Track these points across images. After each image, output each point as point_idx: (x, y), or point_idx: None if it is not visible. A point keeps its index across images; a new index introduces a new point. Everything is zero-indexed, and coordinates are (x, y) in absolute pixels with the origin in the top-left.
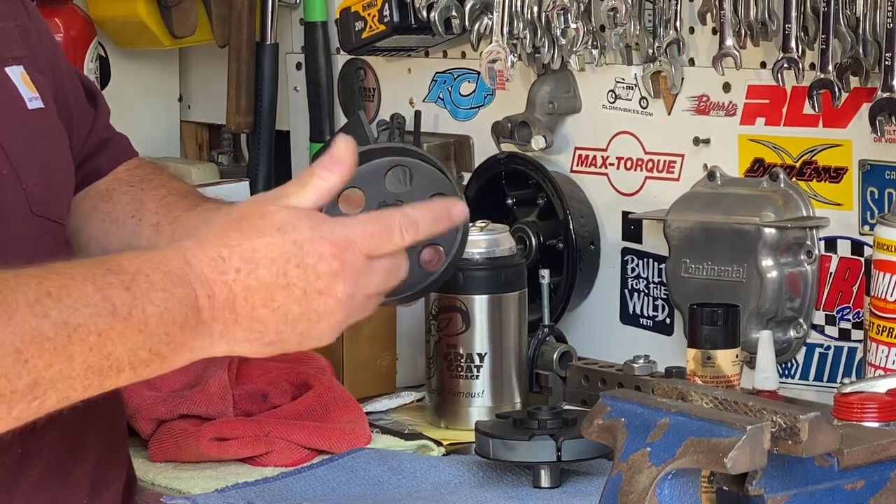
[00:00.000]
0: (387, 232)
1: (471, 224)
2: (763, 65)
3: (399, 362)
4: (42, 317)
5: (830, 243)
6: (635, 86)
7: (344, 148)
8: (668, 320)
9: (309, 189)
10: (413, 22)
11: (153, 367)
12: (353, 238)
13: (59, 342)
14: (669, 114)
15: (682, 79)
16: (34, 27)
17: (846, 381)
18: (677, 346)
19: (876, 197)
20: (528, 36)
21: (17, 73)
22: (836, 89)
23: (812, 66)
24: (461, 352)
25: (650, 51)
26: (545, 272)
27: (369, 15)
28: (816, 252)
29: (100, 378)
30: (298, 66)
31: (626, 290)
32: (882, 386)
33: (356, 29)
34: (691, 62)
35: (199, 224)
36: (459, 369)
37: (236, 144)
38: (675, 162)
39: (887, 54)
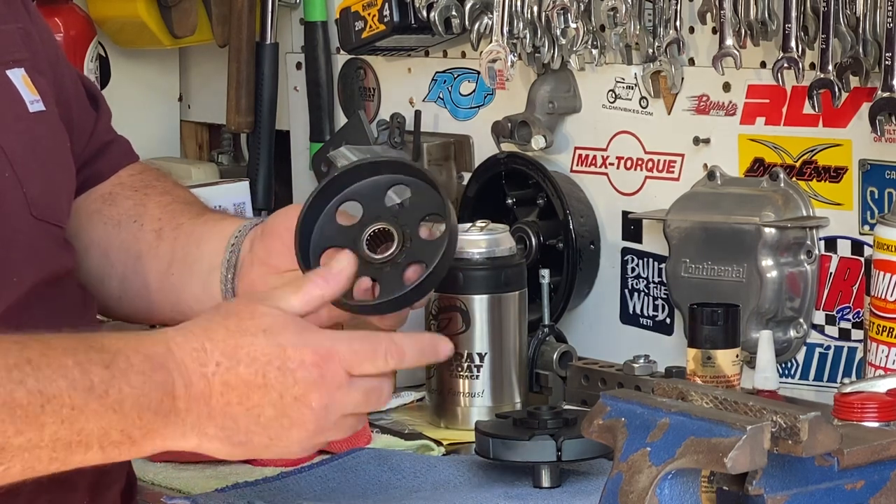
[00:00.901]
0: (371, 353)
1: (471, 224)
2: (763, 64)
3: None
4: (18, 383)
5: (830, 243)
6: (635, 85)
7: (346, 263)
8: (668, 320)
9: (301, 295)
10: (413, 22)
11: (122, 450)
12: (336, 351)
13: (32, 411)
14: (669, 113)
15: (682, 78)
16: (35, 29)
17: (846, 381)
18: (677, 346)
19: (876, 197)
20: (528, 36)
21: (18, 76)
22: (836, 89)
23: (812, 66)
24: (461, 352)
25: (650, 50)
26: (545, 272)
27: (369, 15)
28: (816, 252)
29: (67, 453)
30: (298, 65)
31: (626, 290)
32: (882, 386)
33: (356, 29)
34: (691, 62)
35: (203, 233)
36: (459, 369)
37: (236, 144)
38: (675, 162)
39: (887, 54)
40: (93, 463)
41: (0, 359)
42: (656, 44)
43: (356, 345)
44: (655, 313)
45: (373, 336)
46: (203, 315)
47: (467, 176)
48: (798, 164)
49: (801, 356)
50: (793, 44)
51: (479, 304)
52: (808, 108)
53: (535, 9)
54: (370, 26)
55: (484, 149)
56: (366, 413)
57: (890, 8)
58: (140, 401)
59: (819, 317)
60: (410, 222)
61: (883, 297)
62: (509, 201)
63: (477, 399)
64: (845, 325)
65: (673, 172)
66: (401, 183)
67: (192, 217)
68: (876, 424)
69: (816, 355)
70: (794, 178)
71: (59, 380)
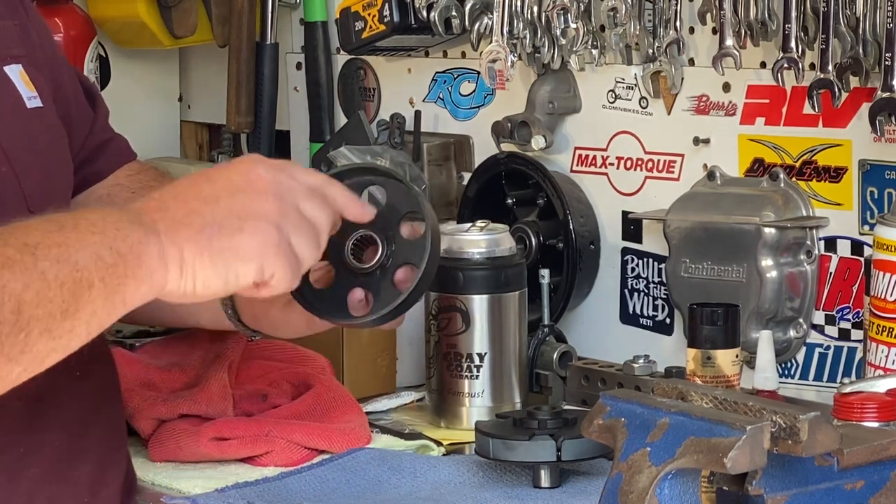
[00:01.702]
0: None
1: (471, 224)
2: (763, 65)
3: (399, 362)
4: (2, 245)
5: (830, 243)
6: (635, 86)
7: None
8: (668, 320)
9: None
10: (413, 22)
11: (119, 274)
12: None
13: (28, 262)
14: (669, 114)
15: (682, 79)
16: (33, 26)
17: (846, 381)
18: (677, 346)
19: (876, 197)
20: (528, 36)
21: (15, 72)
22: (836, 89)
23: (812, 66)
24: (461, 352)
25: (650, 51)
26: (545, 272)
27: (369, 15)
28: (816, 252)
29: (74, 297)
30: (298, 66)
31: (626, 290)
32: (882, 386)
33: (356, 29)
34: (691, 62)
35: None
36: (459, 369)
37: (236, 144)
38: (674, 162)
39: (887, 54)
40: (101, 308)
41: None
42: (656, 44)
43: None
44: (655, 313)
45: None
46: None
47: (467, 176)
48: (798, 165)
49: (800, 356)
50: (793, 44)
51: (479, 304)
52: (808, 109)
53: (535, 9)
54: (370, 26)
55: (484, 149)
56: (321, 222)
57: (890, 8)
58: (108, 218)
59: (819, 317)
60: (391, 224)
61: (883, 297)
62: (509, 201)
63: (477, 399)
64: (845, 325)
65: (673, 172)
66: (372, 184)
67: None
68: (876, 424)
69: (816, 355)
70: (793, 179)
71: (33, 232)
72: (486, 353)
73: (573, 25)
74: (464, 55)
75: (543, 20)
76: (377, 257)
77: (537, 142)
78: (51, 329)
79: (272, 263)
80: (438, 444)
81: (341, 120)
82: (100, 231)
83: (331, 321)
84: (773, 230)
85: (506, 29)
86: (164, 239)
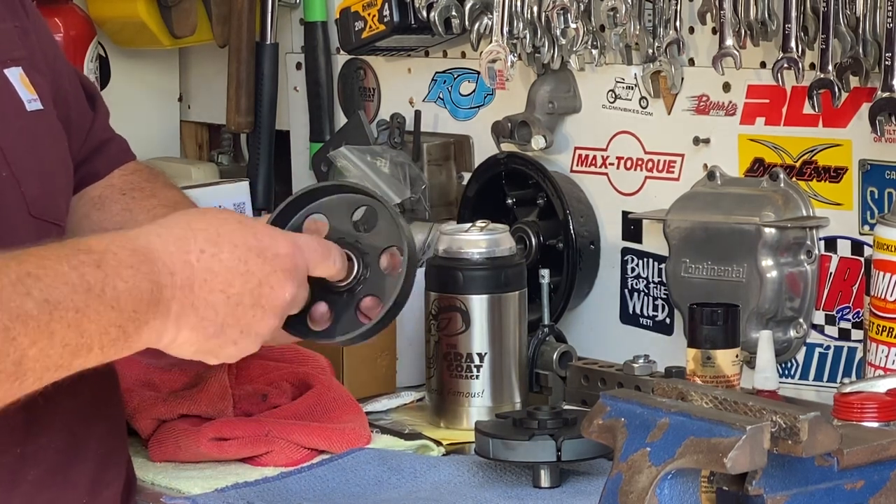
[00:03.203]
0: (326, 254)
1: (471, 224)
2: (763, 65)
3: (399, 362)
4: (25, 295)
5: (830, 243)
6: (635, 86)
7: None
8: (668, 320)
9: None
10: (413, 22)
11: (118, 347)
12: (301, 246)
13: (43, 320)
14: (669, 114)
15: (682, 79)
16: (33, 28)
17: (846, 381)
18: (677, 346)
19: (876, 197)
20: (528, 36)
21: (15, 75)
22: (836, 89)
23: (812, 66)
24: (461, 352)
25: (650, 51)
26: (545, 272)
27: (369, 15)
28: (816, 252)
29: (72, 357)
30: (298, 66)
31: (626, 290)
32: (882, 386)
33: (356, 29)
34: (691, 62)
35: None
36: (459, 369)
37: (236, 144)
38: (675, 162)
39: (887, 54)
40: (90, 365)
41: (3, 276)
42: (656, 44)
43: (313, 244)
44: (655, 313)
45: (323, 241)
46: (179, 211)
47: (467, 176)
48: (798, 164)
49: (801, 356)
50: (793, 44)
51: (479, 304)
52: (808, 108)
53: (535, 9)
54: (370, 26)
55: (484, 149)
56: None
57: (890, 8)
58: (133, 294)
59: (819, 317)
60: (371, 251)
61: (883, 297)
62: (509, 201)
63: (477, 399)
64: (845, 325)
65: (673, 172)
66: (367, 205)
67: None
68: (876, 424)
69: (816, 355)
70: (794, 178)
71: (60, 286)
72: (486, 353)
73: (573, 25)
74: (464, 55)
75: (543, 20)
76: (349, 279)
77: (537, 142)
78: (42, 378)
79: (233, 358)
80: (438, 444)
81: (341, 120)
82: (119, 308)
83: (288, 331)
84: (773, 230)
85: (506, 29)
86: (171, 321)
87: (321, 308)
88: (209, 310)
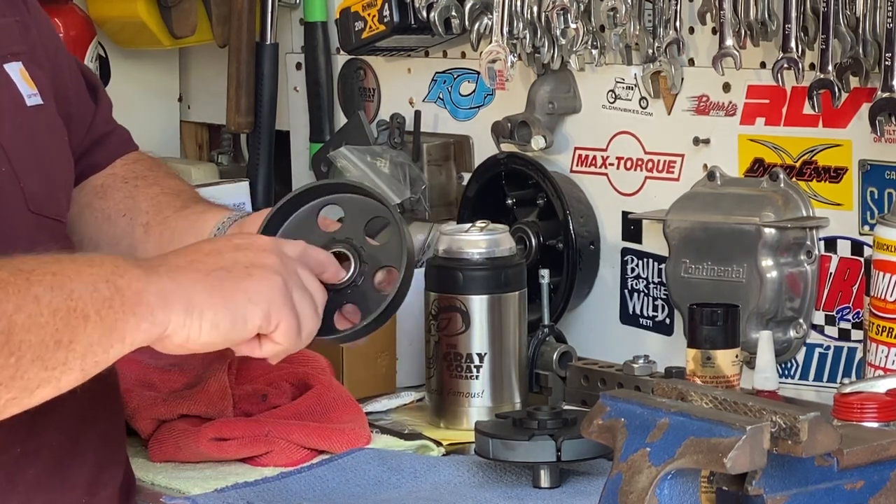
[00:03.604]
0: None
1: (471, 224)
2: (763, 65)
3: (399, 362)
4: None
5: (830, 243)
6: (635, 86)
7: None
8: (668, 320)
9: None
10: (413, 22)
11: (116, 310)
12: (280, 241)
13: (21, 284)
14: (669, 114)
15: (682, 79)
16: (34, 22)
17: (846, 381)
18: (677, 346)
19: (876, 197)
20: (528, 36)
21: (15, 70)
22: (836, 89)
23: (812, 66)
24: (461, 352)
25: (650, 51)
26: (545, 272)
27: (369, 15)
28: (816, 252)
29: (68, 327)
30: (298, 66)
31: (626, 290)
32: (882, 386)
33: (356, 29)
34: (691, 62)
35: (185, 227)
36: (459, 369)
37: (236, 144)
38: (674, 162)
39: (887, 54)
40: (98, 343)
41: None
42: (656, 44)
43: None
44: (655, 313)
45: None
46: None
47: (467, 176)
48: (798, 165)
49: (800, 356)
50: (793, 44)
51: (479, 305)
52: (808, 109)
53: (535, 9)
54: (370, 26)
55: (484, 149)
56: (316, 292)
57: (890, 8)
58: (107, 258)
59: (819, 317)
60: (371, 262)
61: (883, 297)
62: (509, 201)
63: (477, 399)
64: (845, 325)
65: (673, 173)
66: (327, 204)
67: (176, 210)
68: (876, 424)
69: (816, 355)
70: (794, 179)
71: (28, 261)
72: (486, 354)
73: (573, 25)
74: (464, 55)
75: (543, 20)
76: (344, 280)
77: (537, 142)
78: (43, 357)
79: (279, 311)
80: (438, 444)
81: (341, 120)
82: (97, 264)
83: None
84: (773, 230)
85: (506, 29)
86: (167, 280)
87: (348, 308)
88: (198, 264)
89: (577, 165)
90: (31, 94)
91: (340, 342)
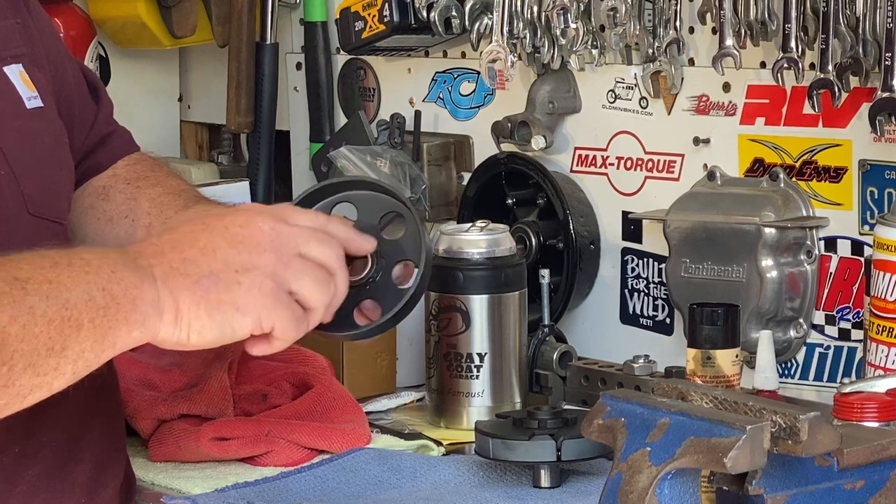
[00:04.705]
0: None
1: (471, 224)
2: (763, 65)
3: (399, 362)
4: None
5: (830, 243)
6: (635, 86)
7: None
8: (668, 320)
9: None
10: (413, 22)
11: (111, 318)
12: (271, 206)
13: (17, 295)
14: (669, 114)
15: (682, 79)
16: (35, 23)
17: (846, 381)
18: (677, 346)
19: (876, 197)
20: (528, 36)
21: (15, 72)
22: (836, 89)
23: (812, 66)
24: (461, 351)
25: (650, 51)
26: (545, 272)
27: (369, 15)
28: (816, 252)
29: (62, 336)
30: (298, 66)
31: (626, 290)
32: (882, 386)
33: (356, 29)
34: (691, 62)
35: None
36: (459, 369)
37: (236, 144)
38: (674, 162)
39: (887, 54)
40: (90, 349)
41: None
42: (656, 44)
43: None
44: (655, 313)
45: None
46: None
47: (467, 176)
48: (798, 165)
49: (801, 356)
50: (793, 44)
51: (479, 304)
52: (808, 109)
53: (535, 9)
54: (370, 26)
55: (484, 149)
56: (329, 260)
57: (890, 8)
58: (104, 259)
59: (819, 317)
60: (389, 257)
61: (883, 297)
62: (509, 201)
63: (477, 399)
64: (845, 325)
65: (673, 172)
66: (340, 201)
67: (178, 210)
68: (876, 424)
69: (816, 355)
70: (794, 178)
71: (24, 266)
72: (486, 353)
73: (573, 25)
74: (464, 55)
75: (543, 20)
76: (362, 275)
77: (537, 142)
78: (35, 365)
79: (270, 315)
80: (438, 444)
81: (341, 120)
82: (94, 271)
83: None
84: (773, 230)
85: (506, 29)
86: (160, 285)
87: (367, 305)
88: (190, 265)
89: (577, 165)
90: (30, 97)
91: (361, 338)
